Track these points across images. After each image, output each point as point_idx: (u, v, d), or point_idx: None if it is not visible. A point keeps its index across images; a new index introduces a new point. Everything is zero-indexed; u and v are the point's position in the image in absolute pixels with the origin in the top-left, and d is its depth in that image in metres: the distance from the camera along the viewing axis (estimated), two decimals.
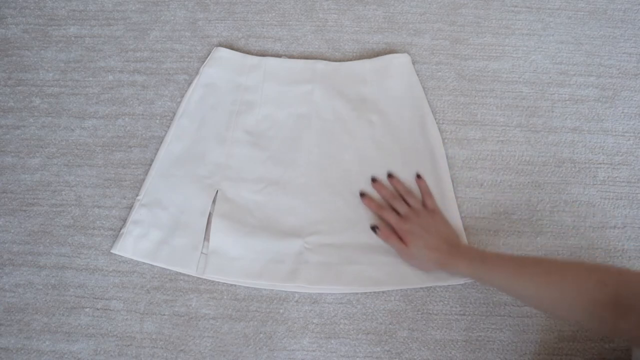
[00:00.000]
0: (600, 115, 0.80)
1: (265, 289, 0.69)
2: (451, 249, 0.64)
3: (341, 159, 0.75)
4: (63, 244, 0.72)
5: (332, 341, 0.67)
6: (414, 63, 0.82)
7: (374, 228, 0.69)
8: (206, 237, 0.70)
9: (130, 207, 0.74)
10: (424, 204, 0.70)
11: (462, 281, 0.68)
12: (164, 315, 0.68)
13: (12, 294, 0.70)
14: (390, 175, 0.73)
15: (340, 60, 0.83)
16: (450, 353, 0.66)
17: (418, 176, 0.73)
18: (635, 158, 0.77)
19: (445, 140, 0.77)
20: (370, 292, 0.69)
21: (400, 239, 0.67)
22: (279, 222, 0.71)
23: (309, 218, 0.72)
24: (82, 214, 0.74)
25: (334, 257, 0.69)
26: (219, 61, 0.82)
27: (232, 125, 0.78)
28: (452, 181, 0.74)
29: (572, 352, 0.66)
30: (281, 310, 0.68)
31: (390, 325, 0.67)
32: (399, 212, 0.69)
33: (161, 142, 0.77)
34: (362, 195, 0.72)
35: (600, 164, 0.76)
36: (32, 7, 0.90)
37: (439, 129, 0.77)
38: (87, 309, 0.69)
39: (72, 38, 0.87)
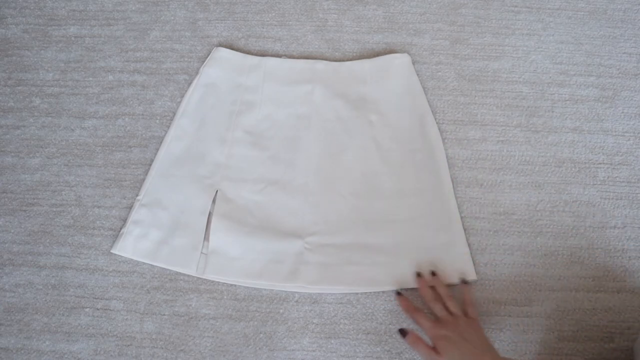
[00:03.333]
0: (600, 115, 0.80)
1: (265, 289, 0.69)
2: None
3: (341, 159, 0.75)
4: (63, 244, 0.72)
5: (332, 341, 0.67)
6: (414, 63, 0.82)
7: (401, 332, 0.62)
8: (206, 237, 0.70)
9: (130, 207, 0.74)
10: (464, 313, 0.63)
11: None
12: (164, 315, 0.68)
13: (12, 294, 0.70)
14: (434, 274, 0.67)
15: (340, 60, 0.83)
16: None
17: (464, 282, 0.67)
18: (635, 158, 0.77)
19: (445, 140, 0.77)
20: (370, 292, 0.69)
21: (432, 346, 0.58)
22: (279, 222, 0.71)
23: (309, 218, 0.71)
24: (82, 214, 0.74)
25: (333, 257, 0.69)
26: (219, 61, 0.82)
27: (232, 125, 0.78)
28: (452, 181, 0.74)
29: (573, 352, 0.66)
30: (281, 310, 0.68)
31: (390, 325, 0.67)
32: (437, 315, 0.63)
33: (161, 142, 0.77)
34: (398, 294, 0.66)
35: (600, 164, 0.76)
36: (32, 7, 0.90)
37: (439, 129, 0.77)
38: (87, 309, 0.69)
39: (72, 38, 0.87)
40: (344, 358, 0.66)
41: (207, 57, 0.82)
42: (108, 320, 0.68)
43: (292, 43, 0.86)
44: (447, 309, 0.63)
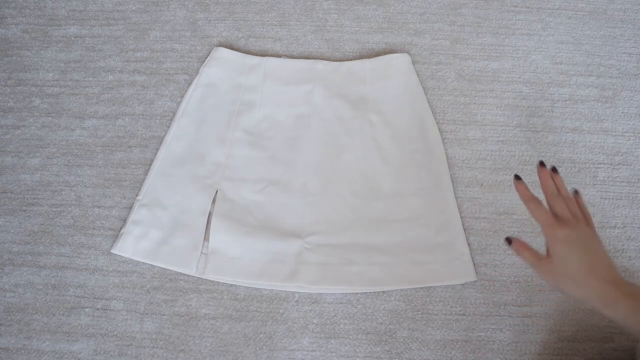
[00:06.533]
0: (600, 115, 0.80)
1: (265, 289, 0.69)
2: (620, 282, 0.47)
3: (341, 159, 0.75)
4: (63, 244, 0.72)
5: (332, 341, 0.67)
6: (414, 63, 0.82)
7: (507, 240, 0.55)
8: (206, 237, 0.70)
9: (130, 207, 0.74)
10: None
11: (462, 281, 0.68)
12: (164, 315, 0.68)
13: (12, 294, 0.70)
14: (554, 170, 0.57)
15: (340, 60, 0.83)
16: (450, 353, 0.66)
17: (576, 192, 0.57)
18: (635, 158, 0.77)
19: (445, 140, 0.77)
20: (370, 292, 0.69)
21: (540, 254, 0.52)
22: (279, 222, 0.71)
23: (308, 218, 0.71)
24: (82, 214, 0.74)
25: (333, 257, 0.69)
26: (219, 61, 0.82)
27: (232, 125, 0.78)
28: (452, 181, 0.74)
29: (573, 352, 0.66)
30: (281, 310, 0.68)
31: (390, 325, 0.67)
32: (557, 214, 0.53)
33: (161, 142, 0.77)
34: (517, 178, 0.56)
35: (600, 164, 0.76)
36: (32, 7, 0.90)
37: (439, 129, 0.77)
38: (87, 309, 0.69)
39: (72, 38, 0.87)
40: (344, 358, 0.66)
41: (207, 57, 0.82)
42: (108, 320, 0.68)
43: (292, 43, 0.86)
44: (568, 209, 0.53)
